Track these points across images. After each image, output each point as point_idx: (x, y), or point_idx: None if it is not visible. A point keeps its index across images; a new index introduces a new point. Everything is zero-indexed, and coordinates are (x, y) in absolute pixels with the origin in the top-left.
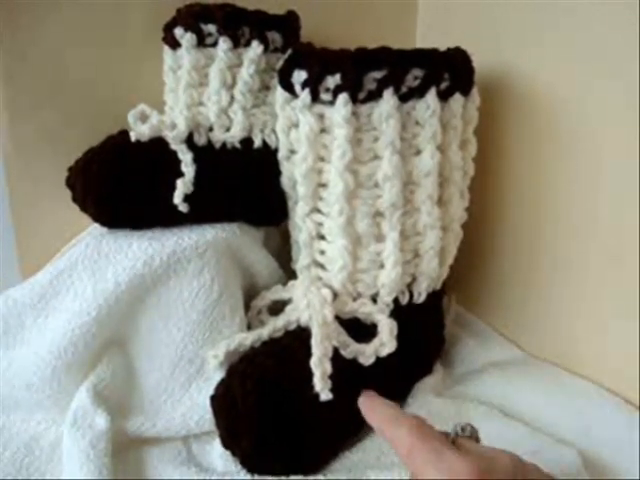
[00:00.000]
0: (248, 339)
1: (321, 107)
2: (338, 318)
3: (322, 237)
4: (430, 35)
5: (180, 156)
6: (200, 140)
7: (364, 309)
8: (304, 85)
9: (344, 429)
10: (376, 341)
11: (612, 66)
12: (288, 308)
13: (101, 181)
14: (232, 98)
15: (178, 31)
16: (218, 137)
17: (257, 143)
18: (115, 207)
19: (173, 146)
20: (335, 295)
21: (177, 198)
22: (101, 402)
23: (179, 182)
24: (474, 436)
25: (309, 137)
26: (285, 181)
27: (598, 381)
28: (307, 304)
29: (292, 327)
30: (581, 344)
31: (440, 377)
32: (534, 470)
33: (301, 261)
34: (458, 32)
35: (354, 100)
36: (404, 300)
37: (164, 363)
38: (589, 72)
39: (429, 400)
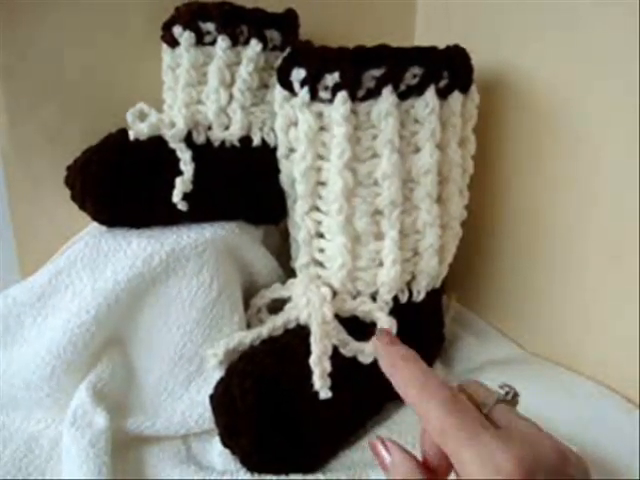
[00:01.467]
0: (247, 337)
1: (320, 105)
2: (337, 316)
3: (321, 235)
4: (429, 33)
5: (179, 154)
6: (199, 138)
7: (363, 307)
8: (303, 83)
9: (343, 427)
10: None
11: (612, 66)
12: (287, 306)
13: (100, 180)
14: (231, 96)
15: (177, 30)
16: (217, 135)
17: (256, 141)
18: (114, 206)
19: (172, 145)
20: (334, 293)
21: (176, 197)
22: (100, 401)
23: (178, 181)
24: (514, 400)
25: (308, 135)
26: (284, 179)
27: (598, 379)
28: (306, 302)
29: (291, 325)
30: (581, 342)
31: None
32: (575, 462)
33: (300, 259)
34: (457, 30)
35: (353, 98)
36: (403, 298)
37: (163, 362)
38: (589, 72)
39: None
